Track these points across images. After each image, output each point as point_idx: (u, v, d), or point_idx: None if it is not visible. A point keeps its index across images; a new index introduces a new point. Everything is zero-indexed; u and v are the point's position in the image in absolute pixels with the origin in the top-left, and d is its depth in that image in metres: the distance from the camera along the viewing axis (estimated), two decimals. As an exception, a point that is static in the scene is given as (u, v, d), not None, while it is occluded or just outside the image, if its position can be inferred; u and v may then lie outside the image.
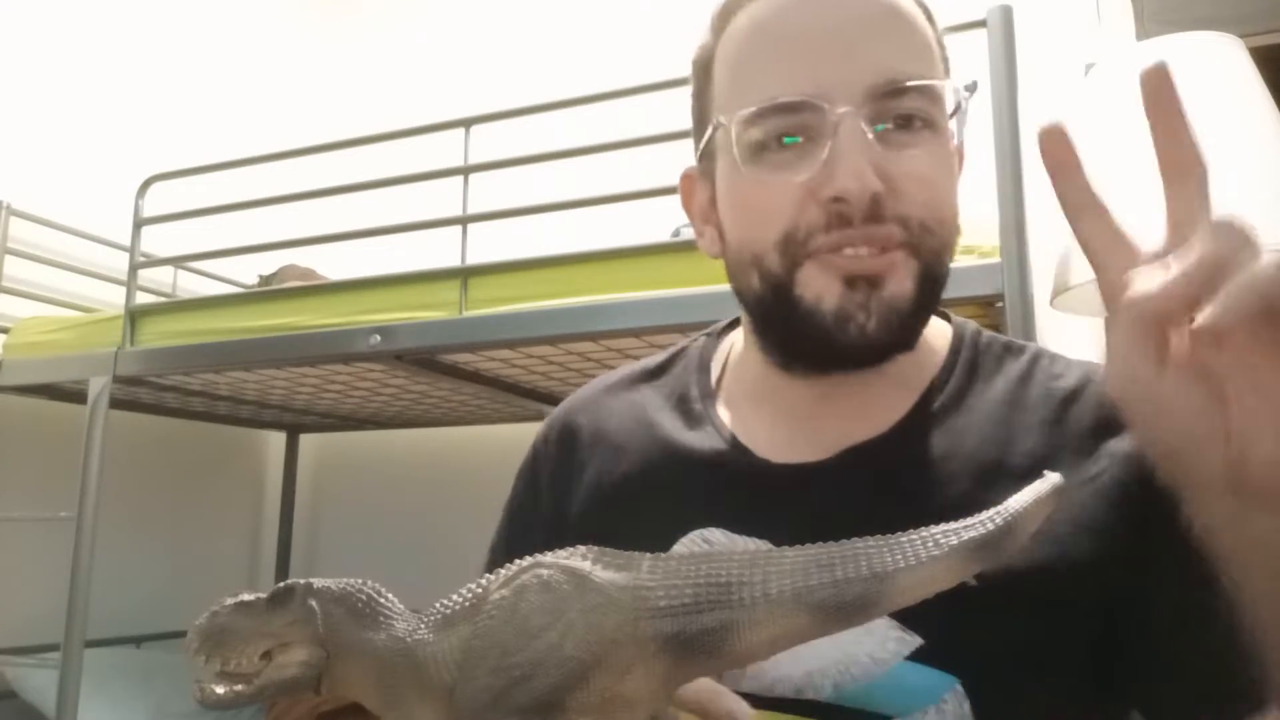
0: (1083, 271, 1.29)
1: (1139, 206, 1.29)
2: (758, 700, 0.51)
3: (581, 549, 0.41)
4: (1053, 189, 0.43)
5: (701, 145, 0.62)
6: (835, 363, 0.57)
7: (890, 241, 0.53)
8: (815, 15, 0.54)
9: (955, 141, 0.58)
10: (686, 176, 0.66)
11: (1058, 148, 0.42)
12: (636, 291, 1.34)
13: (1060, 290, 1.35)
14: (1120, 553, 0.51)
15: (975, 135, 1.21)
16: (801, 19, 0.55)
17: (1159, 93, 0.43)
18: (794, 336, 0.56)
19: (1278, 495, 0.37)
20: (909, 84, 0.53)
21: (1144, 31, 1.71)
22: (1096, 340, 1.84)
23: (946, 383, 0.60)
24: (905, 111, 0.54)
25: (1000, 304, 1.13)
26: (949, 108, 0.56)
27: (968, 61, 1.23)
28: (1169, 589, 0.51)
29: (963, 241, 1.20)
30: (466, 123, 1.58)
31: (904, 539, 0.37)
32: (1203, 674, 0.50)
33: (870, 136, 0.52)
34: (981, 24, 1.19)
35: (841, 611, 0.37)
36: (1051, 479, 0.39)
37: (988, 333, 0.65)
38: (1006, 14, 1.18)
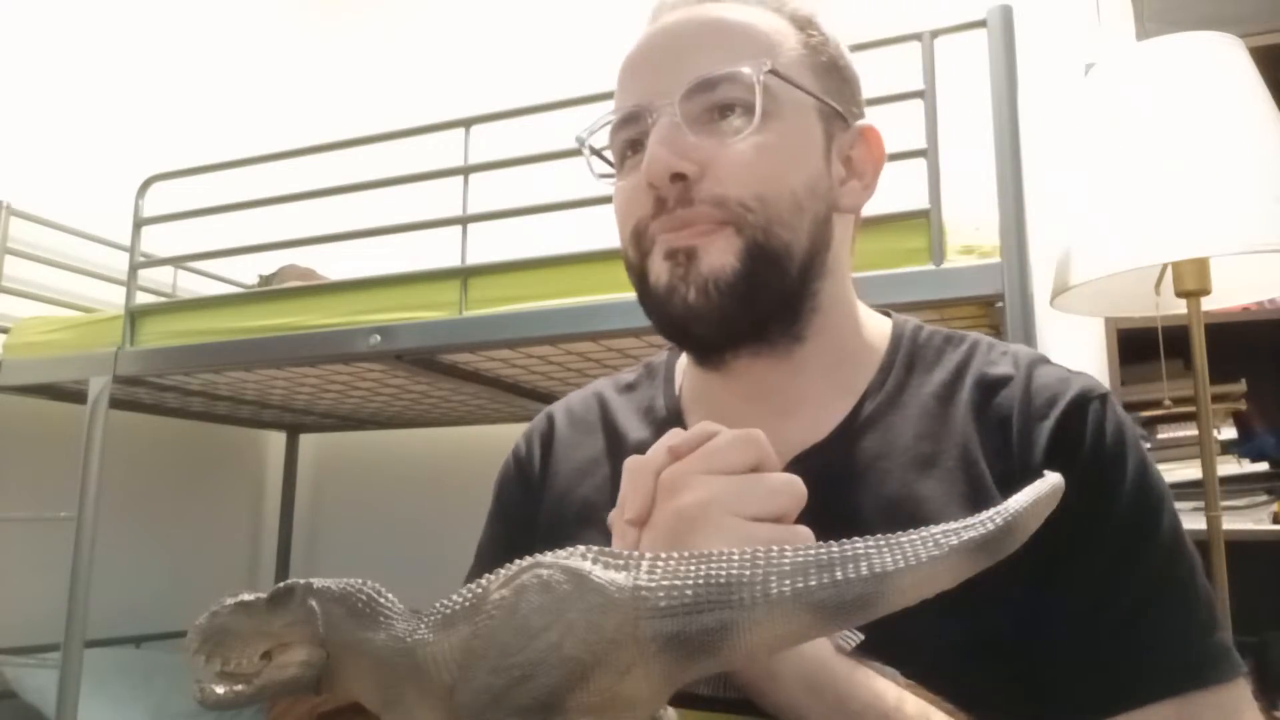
0: (1083, 271, 1.29)
1: (1138, 206, 1.29)
2: (699, 700, 0.52)
3: (581, 549, 0.41)
4: None
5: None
6: (699, 343, 0.62)
7: (704, 220, 0.58)
8: (654, 42, 0.63)
9: (822, 125, 0.61)
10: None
11: None
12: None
13: (1060, 290, 1.35)
14: (1038, 546, 0.53)
15: (975, 135, 1.22)
16: (644, 47, 0.63)
17: None
18: (655, 321, 0.62)
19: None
20: (712, 75, 0.58)
21: (1144, 31, 1.71)
22: (1096, 340, 1.84)
23: (884, 383, 0.63)
24: (722, 102, 0.59)
25: (1000, 304, 1.13)
26: (766, 91, 0.59)
27: (968, 61, 1.24)
28: (1064, 586, 0.54)
29: (963, 241, 1.21)
30: (466, 123, 1.58)
31: (904, 539, 0.37)
32: (1107, 660, 0.53)
33: (682, 125, 0.58)
34: (981, 24, 1.19)
35: (841, 611, 0.37)
36: (1051, 479, 0.39)
37: (929, 327, 0.67)
38: (1006, 14, 1.18)
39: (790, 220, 0.59)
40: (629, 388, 0.73)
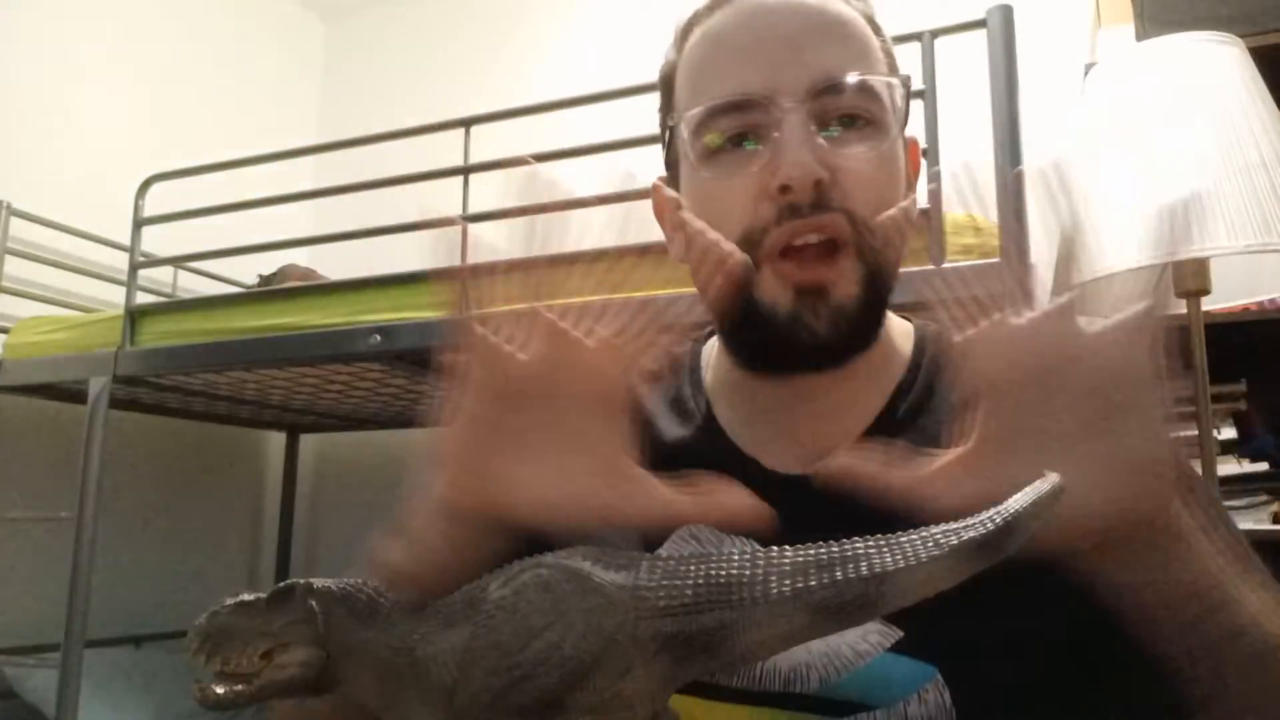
0: (1083, 271, 1.29)
1: (1138, 206, 1.29)
2: (746, 695, 0.53)
3: (581, 549, 0.41)
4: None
5: (666, 154, 0.65)
6: (793, 362, 0.60)
7: (837, 231, 0.55)
8: (762, 24, 0.58)
9: (906, 145, 0.60)
10: (656, 186, 0.68)
11: None
12: (636, 291, 1.34)
13: (1060, 290, 1.35)
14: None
15: (976, 135, 1.22)
16: (749, 28, 0.58)
17: None
18: (753, 337, 0.59)
19: (1100, 542, 0.43)
20: (848, 80, 0.56)
21: (1144, 31, 1.71)
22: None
23: (913, 384, 0.62)
24: (847, 109, 0.56)
25: (1000, 304, 1.13)
26: (891, 107, 0.58)
27: (968, 61, 1.24)
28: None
29: (962, 241, 1.21)
30: (466, 123, 1.58)
31: (903, 539, 0.37)
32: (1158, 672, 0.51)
33: (814, 129, 0.55)
34: (981, 24, 1.19)
35: (841, 611, 0.37)
36: (1051, 478, 0.39)
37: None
38: (1006, 14, 1.18)
39: (898, 244, 0.58)
40: (655, 377, 0.72)
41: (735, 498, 0.47)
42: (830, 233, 0.55)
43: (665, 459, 0.64)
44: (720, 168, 0.58)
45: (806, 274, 0.56)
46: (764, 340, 0.58)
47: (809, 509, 0.58)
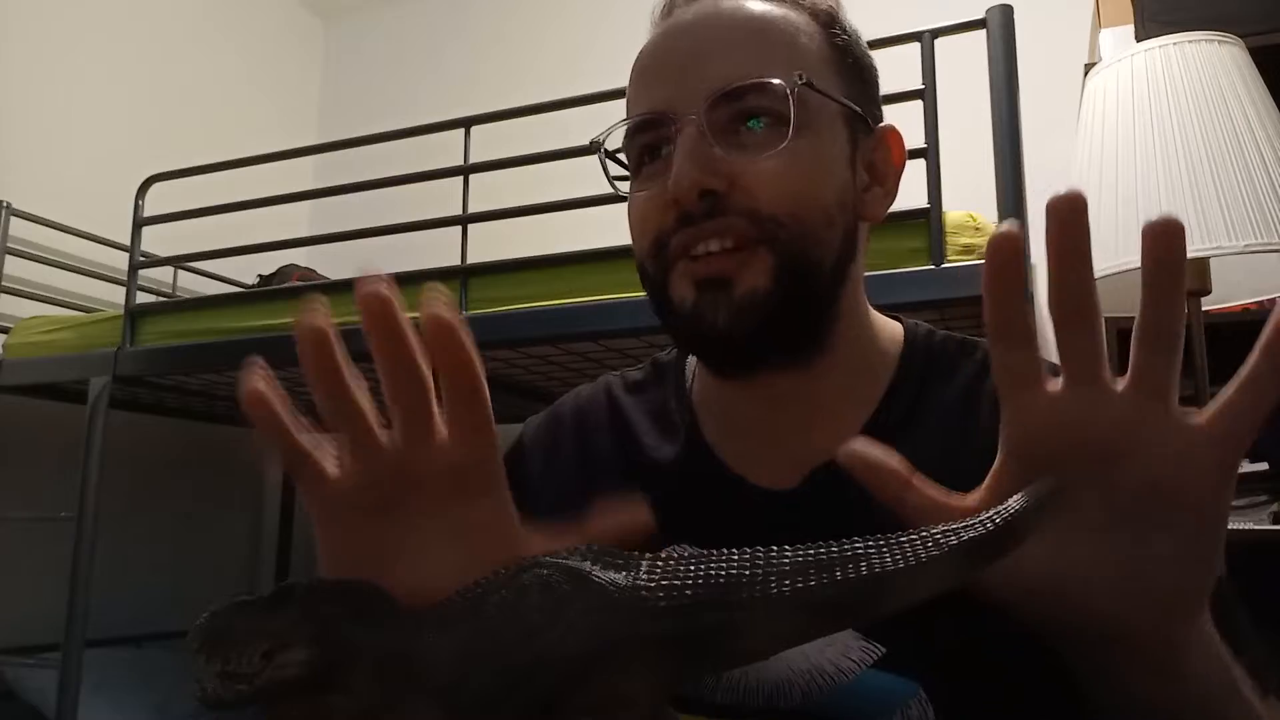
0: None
1: (1138, 206, 1.29)
2: (729, 710, 0.52)
3: (581, 548, 0.41)
4: (986, 294, 0.41)
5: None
6: (713, 359, 0.60)
7: (737, 234, 0.55)
8: (674, 42, 0.59)
9: (845, 133, 0.59)
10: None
11: (1007, 263, 0.40)
12: (636, 292, 1.33)
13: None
14: None
15: (975, 135, 1.22)
16: (663, 47, 0.60)
17: (1067, 227, 0.40)
18: (677, 337, 0.61)
19: (1114, 639, 0.41)
20: (741, 84, 0.56)
21: (1144, 31, 1.71)
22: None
23: (901, 392, 0.61)
24: (749, 111, 0.56)
25: (1000, 304, 1.13)
26: (798, 102, 0.56)
27: (968, 61, 1.24)
28: None
29: (962, 241, 1.21)
30: (466, 123, 1.58)
31: (904, 539, 0.37)
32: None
33: (708, 137, 0.55)
34: (981, 24, 1.19)
35: (841, 612, 0.37)
36: (1051, 480, 0.39)
37: (941, 332, 0.65)
38: (1006, 14, 1.18)
39: (823, 236, 0.57)
40: (638, 387, 0.71)
41: (611, 520, 0.46)
42: (729, 239, 0.55)
43: (652, 478, 0.63)
44: (640, 180, 0.60)
45: (706, 268, 0.56)
46: (683, 339, 0.60)
47: (798, 525, 0.57)
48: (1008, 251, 0.40)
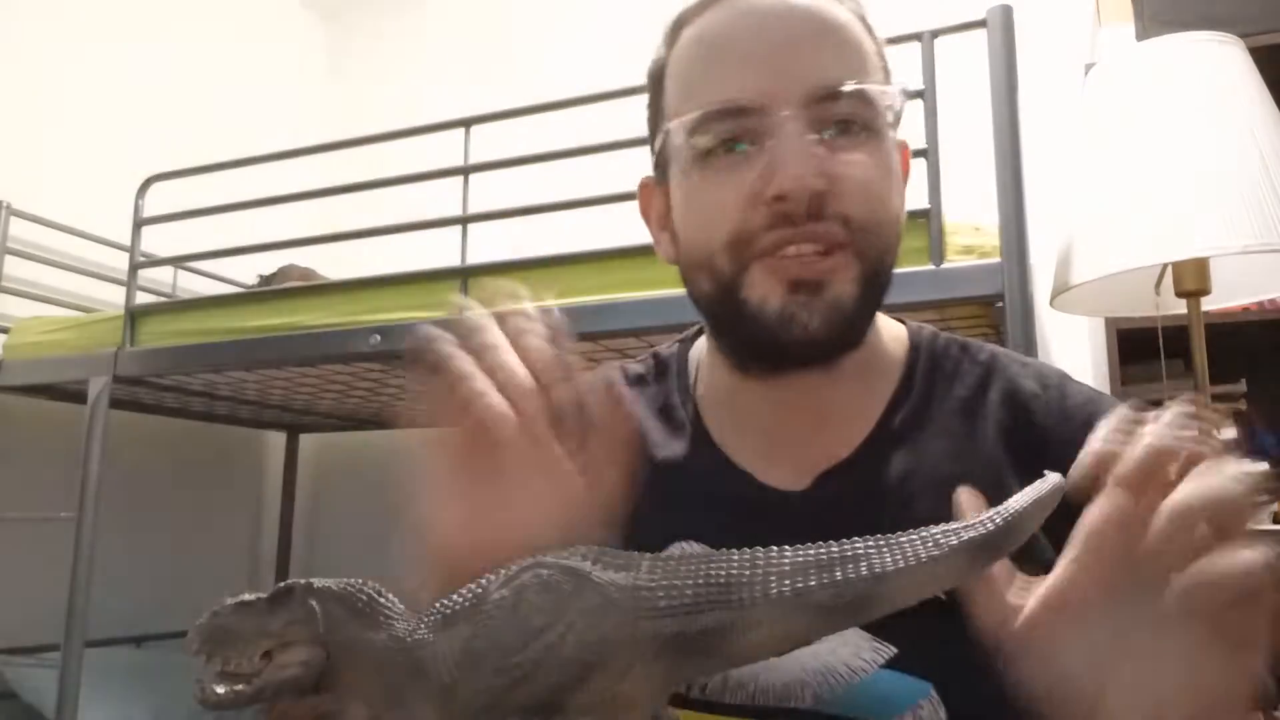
0: (1083, 271, 1.29)
1: (1138, 206, 1.29)
2: (740, 711, 0.53)
3: (581, 549, 0.41)
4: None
5: (655, 154, 0.64)
6: (783, 360, 0.59)
7: (832, 239, 0.55)
8: (757, 27, 0.57)
9: (897, 147, 0.60)
10: (644, 185, 0.67)
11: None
12: (636, 291, 1.34)
13: (1060, 290, 1.35)
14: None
15: (976, 135, 1.22)
16: (744, 30, 0.58)
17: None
18: (742, 336, 0.59)
19: None
20: (845, 89, 0.55)
21: (1144, 31, 1.71)
22: (1096, 340, 1.84)
23: (908, 395, 0.62)
24: (843, 116, 0.56)
25: (1000, 304, 1.13)
26: (886, 113, 0.57)
27: (968, 62, 1.24)
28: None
29: (963, 241, 1.21)
30: (466, 123, 1.58)
31: (904, 539, 0.37)
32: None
33: (810, 138, 0.55)
34: (981, 24, 1.19)
35: (841, 611, 0.37)
36: (1052, 479, 0.39)
37: (944, 335, 0.66)
38: (1006, 14, 1.18)
39: (893, 245, 0.58)
40: (639, 380, 0.70)
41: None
42: (825, 241, 0.55)
43: (656, 476, 0.63)
44: (712, 171, 0.57)
45: (801, 270, 0.55)
46: (754, 338, 0.58)
47: (805, 527, 0.57)
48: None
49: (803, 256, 0.55)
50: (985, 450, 0.58)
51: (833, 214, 0.55)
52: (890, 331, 0.65)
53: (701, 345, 0.70)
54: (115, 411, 1.79)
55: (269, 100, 2.66)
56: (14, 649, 1.87)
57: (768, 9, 0.58)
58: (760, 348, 0.59)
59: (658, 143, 0.63)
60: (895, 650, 0.52)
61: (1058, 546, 0.49)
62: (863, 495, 0.58)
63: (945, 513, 0.55)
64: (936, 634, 0.48)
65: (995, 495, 0.55)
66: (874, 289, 0.57)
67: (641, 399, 0.69)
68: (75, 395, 1.81)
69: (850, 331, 0.57)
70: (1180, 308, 1.34)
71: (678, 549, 0.58)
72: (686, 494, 0.61)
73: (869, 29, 0.61)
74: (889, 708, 0.51)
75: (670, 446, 0.64)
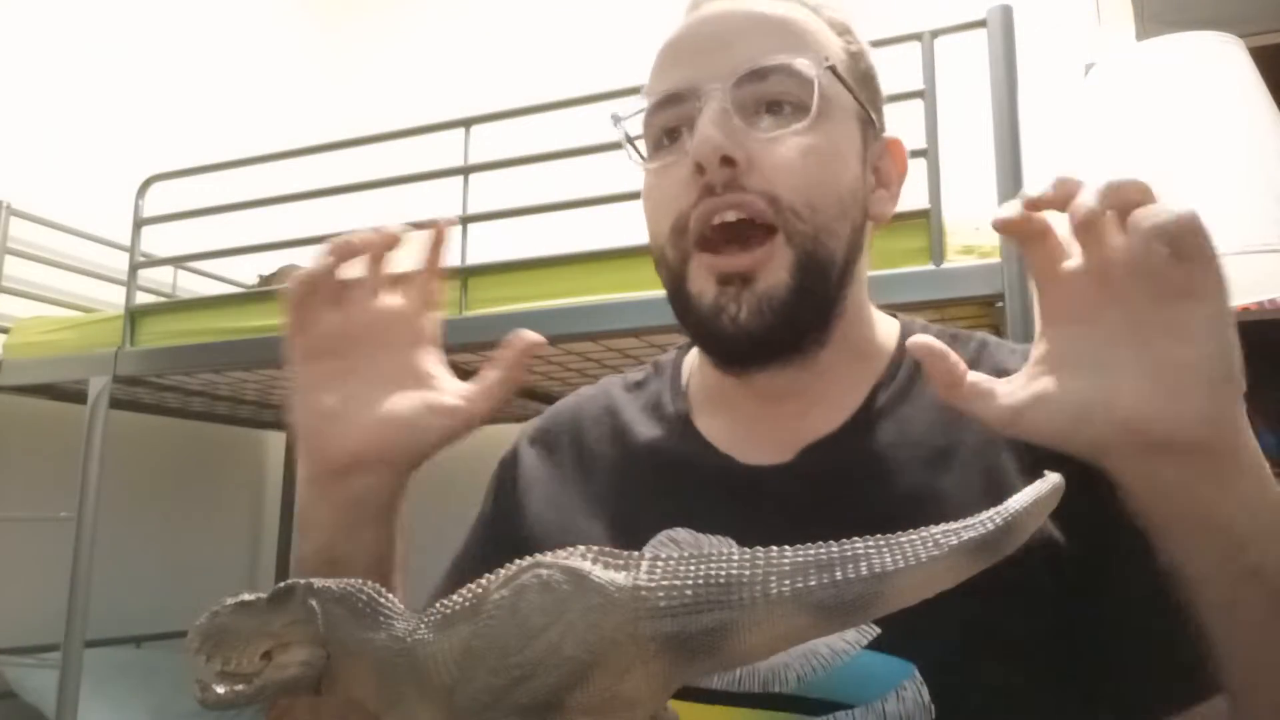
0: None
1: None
2: (726, 696, 0.53)
3: (581, 548, 0.41)
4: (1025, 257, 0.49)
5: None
6: (730, 357, 0.60)
7: (756, 211, 0.56)
8: (698, 27, 0.60)
9: (856, 129, 0.61)
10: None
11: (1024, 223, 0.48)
12: (636, 291, 1.34)
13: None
14: (1073, 539, 0.53)
15: (976, 135, 1.22)
16: (689, 33, 0.61)
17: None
18: (691, 329, 0.61)
19: (1156, 445, 0.43)
20: (767, 63, 0.57)
21: (1144, 31, 1.71)
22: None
23: (894, 376, 0.62)
24: (773, 96, 0.57)
25: (1000, 304, 1.13)
26: (824, 91, 0.57)
27: (968, 62, 1.24)
28: (1120, 575, 0.52)
29: (963, 241, 1.21)
30: (466, 123, 1.58)
31: (904, 539, 0.37)
32: (1155, 662, 0.51)
33: (730, 111, 0.56)
34: (981, 24, 1.19)
35: (841, 611, 0.37)
36: (1051, 479, 0.39)
37: (935, 326, 0.67)
38: (1006, 14, 1.18)
39: (836, 228, 0.58)
40: (637, 386, 0.72)
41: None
42: (747, 211, 0.55)
43: (642, 467, 0.64)
44: (658, 162, 0.60)
45: (727, 262, 0.56)
46: (698, 331, 0.60)
47: (786, 499, 0.58)
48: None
49: (732, 251, 0.56)
50: (974, 426, 0.58)
51: (755, 189, 0.55)
52: (882, 325, 0.66)
53: (696, 349, 0.70)
54: (115, 411, 1.78)
55: (269, 100, 2.65)
56: (14, 649, 1.86)
57: (716, 13, 0.60)
58: (704, 341, 0.61)
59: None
60: (878, 631, 0.52)
61: (1074, 529, 0.49)
62: (846, 468, 0.58)
63: (933, 486, 0.56)
64: (919, 615, 0.49)
65: (984, 470, 0.56)
66: (813, 277, 0.57)
67: (634, 399, 0.70)
68: (75, 395, 1.81)
69: (790, 324, 0.57)
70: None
71: (665, 536, 0.58)
72: (672, 482, 0.62)
73: (841, 29, 0.62)
74: (872, 689, 0.51)
75: (655, 438, 0.65)
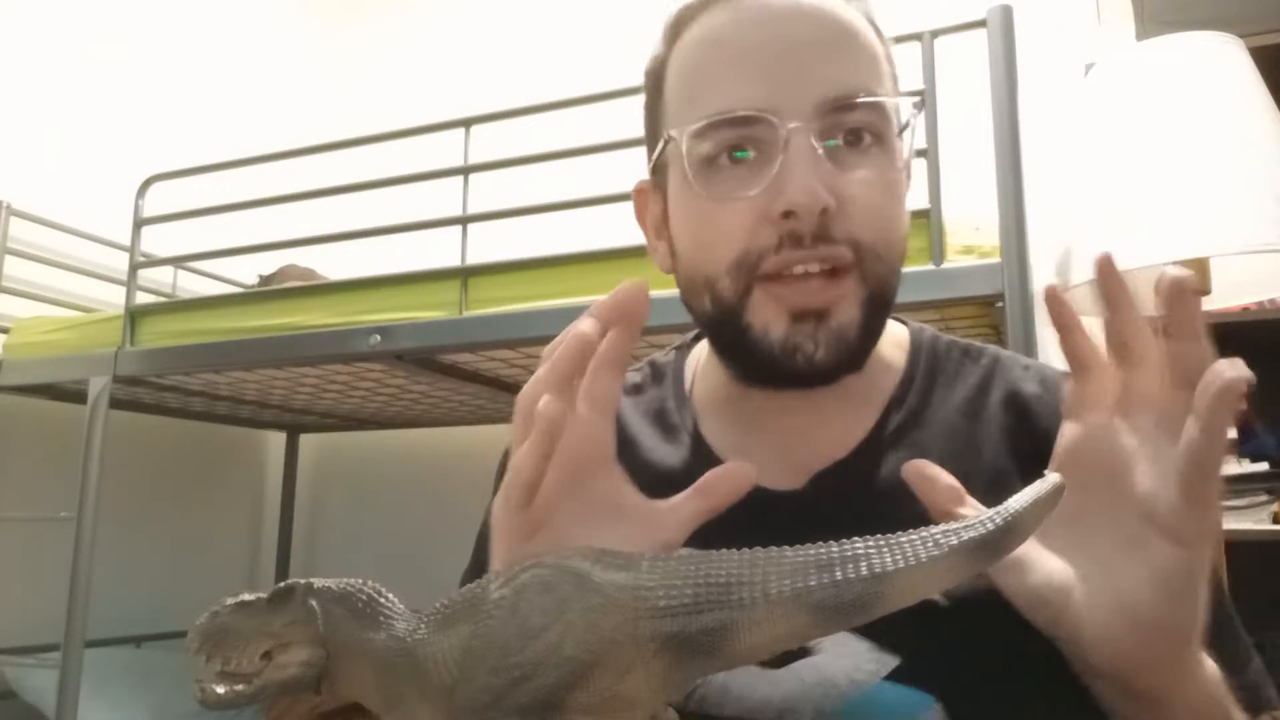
0: (1083, 271, 1.29)
1: (1138, 206, 1.29)
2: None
3: (582, 549, 0.41)
4: (1061, 346, 0.48)
5: (654, 158, 0.61)
6: (784, 384, 0.58)
7: (841, 261, 0.53)
8: (767, 30, 0.54)
9: (904, 159, 0.58)
10: (639, 190, 0.65)
11: (1061, 309, 0.48)
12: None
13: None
14: None
15: (976, 135, 1.22)
16: (753, 33, 0.54)
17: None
18: (743, 360, 0.57)
19: (1096, 668, 0.44)
20: (858, 99, 0.53)
21: (1144, 31, 1.71)
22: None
23: (906, 396, 0.61)
24: (854, 126, 0.54)
25: (1000, 304, 1.13)
26: (897, 124, 0.56)
27: (968, 62, 1.24)
28: None
29: (963, 241, 1.21)
30: (466, 123, 1.58)
31: (903, 539, 0.37)
32: None
33: (820, 152, 0.52)
34: (981, 24, 1.19)
35: (841, 612, 0.37)
36: (1052, 479, 0.39)
37: (945, 336, 0.65)
38: (1006, 14, 1.18)
39: (899, 266, 0.57)
40: (636, 389, 0.69)
41: (721, 478, 0.49)
42: (832, 263, 0.53)
43: (650, 481, 0.63)
44: (717, 185, 0.55)
45: (805, 299, 0.54)
46: (756, 364, 0.56)
47: (801, 526, 0.57)
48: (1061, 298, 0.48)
49: (808, 281, 0.53)
50: (987, 451, 0.57)
51: (841, 236, 0.53)
52: (890, 334, 0.64)
53: (699, 351, 0.69)
54: (115, 411, 1.78)
55: (269, 100, 2.66)
56: (14, 649, 1.87)
57: (776, 10, 0.55)
58: (762, 373, 0.57)
59: (656, 147, 0.60)
60: (897, 661, 0.51)
61: None
62: (858, 494, 0.57)
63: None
64: (940, 645, 0.48)
65: (998, 497, 0.55)
66: (878, 312, 0.56)
67: (635, 406, 0.68)
68: (75, 395, 1.81)
69: (854, 356, 0.56)
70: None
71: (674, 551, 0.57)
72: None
73: (878, 32, 0.59)
74: None
75: (664, 451, 0.63)
